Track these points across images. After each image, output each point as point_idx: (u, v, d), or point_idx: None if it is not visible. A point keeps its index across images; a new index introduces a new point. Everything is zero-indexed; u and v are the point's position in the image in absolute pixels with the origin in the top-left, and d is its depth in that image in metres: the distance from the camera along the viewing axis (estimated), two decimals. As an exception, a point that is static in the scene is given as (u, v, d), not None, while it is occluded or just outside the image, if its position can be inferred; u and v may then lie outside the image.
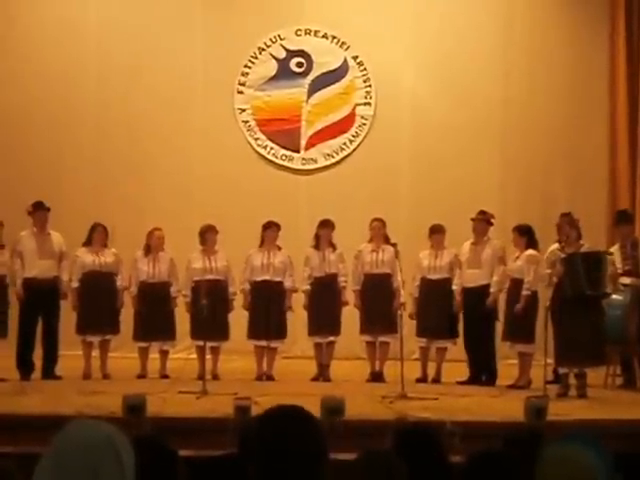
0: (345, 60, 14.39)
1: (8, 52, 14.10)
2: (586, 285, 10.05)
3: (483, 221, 11.40)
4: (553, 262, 10.49)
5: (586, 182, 14.12)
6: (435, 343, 11.47)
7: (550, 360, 10.10)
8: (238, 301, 11.56)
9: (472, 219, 11.42)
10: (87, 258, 11.38)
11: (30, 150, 13.88)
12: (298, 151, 14.33)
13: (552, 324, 10.09)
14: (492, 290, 11.11)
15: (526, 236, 11.01)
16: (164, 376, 11.28)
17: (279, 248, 11.58)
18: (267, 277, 11.46)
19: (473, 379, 11.10)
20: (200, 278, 11.16)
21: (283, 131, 14.32)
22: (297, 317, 11.97)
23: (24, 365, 11.00)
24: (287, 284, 11.51)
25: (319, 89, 14.37)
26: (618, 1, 14.18)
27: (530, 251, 10.92)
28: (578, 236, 10.50)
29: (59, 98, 14.00)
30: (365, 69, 14.35)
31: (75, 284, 11.36)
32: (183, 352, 12.34)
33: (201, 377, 10.24)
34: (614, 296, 10.92)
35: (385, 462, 3.14)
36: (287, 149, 14.32)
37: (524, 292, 10.80)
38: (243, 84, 14.34)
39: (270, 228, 11.56)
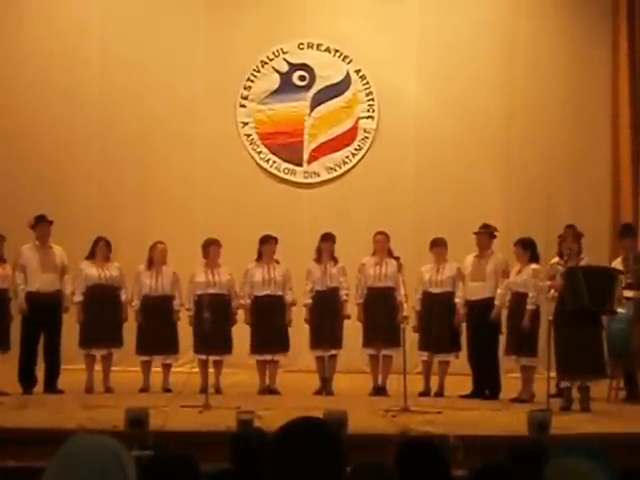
0: (347, 73, 14.41)
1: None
2: (587, 299, 10.02)
3: (486, 234, 11.39)
4: (553, 275, 10.47)
5: (589, 196, 14.12)
6: (437, 357, 11.47)
7: (553, 374, 10.07)
8: (240, 315, 11.56)
9: (475, 232, 11.41)
10: (92, 271, 11.38)
11: (32, 163, 13.88)
12: (301, 165, 14.34)
13: (554, 337, 10.08)
14: (496, 303, 11.08)
15: (529, 250, 10.99)
16: (167, 390, 11.27)
17: (277, 262, 11.58)
18: (268, 292, 11.45)
19: (476, 392, 11.08)
20: (203, 292, 11.14)
21: (286, 145, 14.33)
22: (299, 331, 11.96)
23: (26, 379, 10.98)
24: (286, 298, 11.51)
25: (322, 102, 14.39)
26: (620, 18, 14.20)
27: (534, 265, 10.89)
28: (579, 250, 10.49)
29: (61, 117, 14.05)
30: (367, 82, 14.36)
31: (79, 297, 11.36)
32: (186, 366, 12.32)
33: (204, 391, 10.24)
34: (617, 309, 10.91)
35: (377, 475, 3.13)
36: (290, 163, 14.33)
37: (529, 307, 10.77)
38: (246, 97, 14.36)
39: (267, 242, 11.55)
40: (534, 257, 10.98)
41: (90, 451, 2.19)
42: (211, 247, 11.46)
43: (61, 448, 2.21)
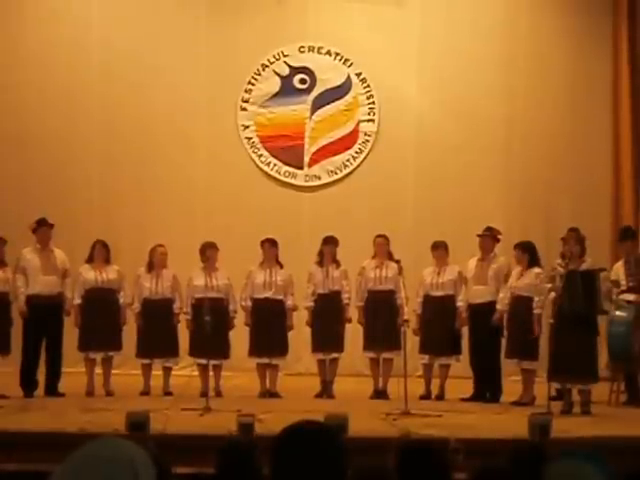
0: (348, 77, 14.42)
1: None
2: (584, 303, 10.01)
3: (489, 237, 11.38)
4: (552, 277, 10.47)
5: (590, 199, 14.12)
6: (438, 360, 11.47)
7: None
8: (239, 318, 11.55)
9: (478, 235, 11.41)
10: (89, 275, 11.38)
11: (33, 165, 13.89)
12: (301, 168, 14.34)
13: (550, 338, 10.08)
14: (498, 307, 11.07)
15: (527, 253, 10.97)
16: (167, 393, 11.28)
17: (281, 266, 11.56)
18: (268, 295, 11.44)
19: (477, 396, 11.07)
20: (202, 296, 11.13)
21: (286, 148, 14.33)
22: (300, 334, 11.97)
23: (27, 382, 10.97)
24: (288, 303, 11.50)
25: (322, 106, 14.39)
26: (621, 20, 14.21)
27: (537, 269, 10.88)
28: (582, 252, 10.47)
29: (62, 120, 14.05)
30: (368, 86, 14.37)
31: (77, 301, 11.36)
32: (186, 369, 12.34)
33: (204, 394, 10.23)
34: (618, 312, 10.92)
35: (378, 478, 3.13)
36: (290, 166, 14.33)
37: (536, 311, 10.75)
38: (246, 101, 14.37)
39: (263, 246, 11.55)
40: (534, 260, 10.96)
41: (100, 454, 2.17)
42: (208, 250, 11.45)
43: (74, 452, 2.18)
